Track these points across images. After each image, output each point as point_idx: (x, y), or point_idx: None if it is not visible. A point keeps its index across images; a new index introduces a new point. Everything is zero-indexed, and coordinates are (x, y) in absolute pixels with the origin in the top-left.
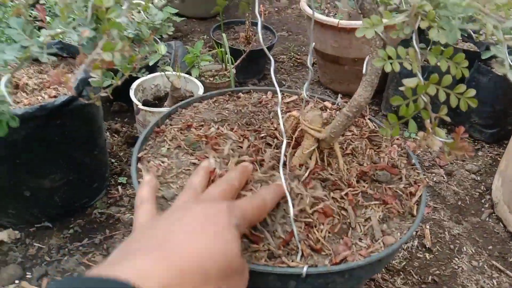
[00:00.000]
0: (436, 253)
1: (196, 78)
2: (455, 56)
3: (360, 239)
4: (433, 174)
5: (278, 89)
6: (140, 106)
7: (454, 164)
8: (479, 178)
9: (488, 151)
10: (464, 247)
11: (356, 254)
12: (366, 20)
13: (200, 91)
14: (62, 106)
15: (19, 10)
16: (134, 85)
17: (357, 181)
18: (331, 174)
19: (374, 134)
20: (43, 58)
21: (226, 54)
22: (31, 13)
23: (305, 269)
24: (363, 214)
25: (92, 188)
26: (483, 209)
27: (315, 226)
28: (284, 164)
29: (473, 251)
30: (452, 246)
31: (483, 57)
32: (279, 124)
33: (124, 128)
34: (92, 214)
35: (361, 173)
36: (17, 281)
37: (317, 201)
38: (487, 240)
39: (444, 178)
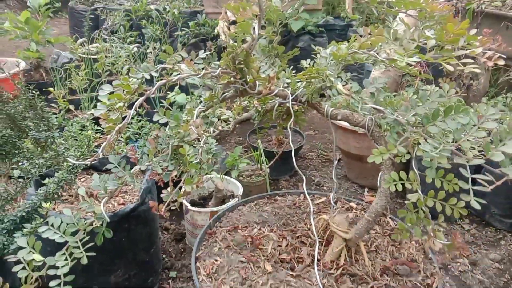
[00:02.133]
0: None
1: (235, 178)
2: (447, 175)
3: None
4: (458, 264)
5: (309, 198)
6: (189, 207)
7: (478, 253)
8: (503, 267)
9: (510, 239)
10: None
11: None
12: (375, 150)
13: (240, 191)
14: (130, 212)
15: (116, 151)
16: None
17: (381, 275)
18: (359, 270)
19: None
20: (134, 184)
21: (261, 156)
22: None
23: None
24: None
25: (148, 282)
26: None
27: None
28: (318, 261)
29: None
30: None
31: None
32: (311, 224)
33: (172, 226)
34: None
35: (384, 268)
36: None
37: None
38: None
39: (468, 267)
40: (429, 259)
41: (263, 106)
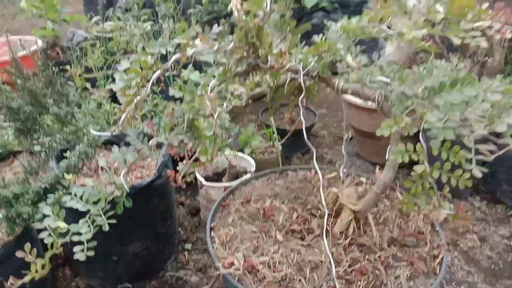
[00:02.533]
0: None
1: (248, 155)
2: (454, 147)
3: None
4: (467, 240)
5: (319, 172)
6: (204, 182)
7: (487, 229)
8: (511, 243)
9: None
10: None
11: None
12: (383, 123)
13: (253, 167)
14: (148, 185)
15: (134, 124)
16: None
17: (388, 246)
18: (366, 240)
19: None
20: (152, 156)
21: (273, 133)
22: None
23: None
24: (394, 273)
25: (164, 253)
26: None
27: (354, 282)
28: (328, 232)
29: None
30: None
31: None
32: (333, 194)
33: (187, 201)
34: (164, 277)
35: (391, 239)
36: None
37: (355, 262)
38: None
39: (477, 243)
40: (436, 231)
41: (275, 81)
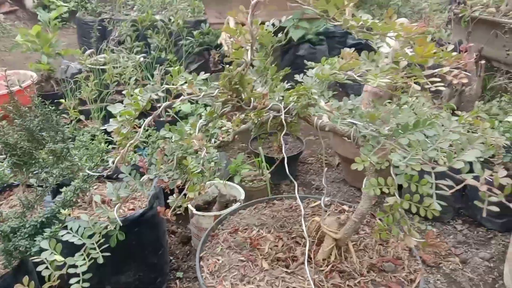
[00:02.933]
0: None
1: (237, 183)
2: (421, 180)
3: None
4: (449, 262)
5: (300, 203)
6: (195, 211)
7: (469, 252)
8: (492, 265)
9: (501, 239)
10: None
11: None
12: (357, 158)
13: (242, 196)
14: (140, 217)
15: (126, 160)
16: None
17: (368, 271)
18: (347, 267)
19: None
20: (144, 192)
21: (262, 162)
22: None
23: None
24: None
25: (156, 282)
26: None
27: None
28: (311, 259)
29: None
30: None
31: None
32: (315, 223)
33: (179, 229)
34: None
35: (370, 265)
36: None
37: None
38: None
39: (459, 266)
40: (413, 257)
41: (259, 119)
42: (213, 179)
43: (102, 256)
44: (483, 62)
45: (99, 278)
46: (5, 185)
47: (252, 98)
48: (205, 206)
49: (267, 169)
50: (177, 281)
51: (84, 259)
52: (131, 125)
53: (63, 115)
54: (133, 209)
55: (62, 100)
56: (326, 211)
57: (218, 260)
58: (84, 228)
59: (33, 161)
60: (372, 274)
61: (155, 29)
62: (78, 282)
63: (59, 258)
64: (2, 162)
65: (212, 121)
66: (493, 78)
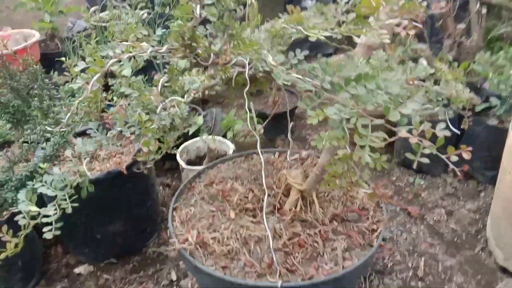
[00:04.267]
0: (428, 282)
1: (231, 139)
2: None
3: (326, 264)
4: (434, 214)
5: (260, 152)
6: (184, 165)
7: (456, 204)
8: (477, 217)
9: (491, 192)
10: (455, 277)
11: (320, 274)
12: (311, 112)
13: (231, 150)
14: (129, 166)
15: (96, 115)
16: (180, 148)
17: (330, 221)
18: (310, 217)
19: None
20: (109, 147)
21: (253, 118)
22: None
23: (279, 284)
24: (331, 245)
25: (147, 232)
26: (477, 244)
27: (292, 254)
28: (278, 209)
29: (462, 280)
30: (443, 276)
31: (477, 110)
32: (277, 177)
33: (173, 182)
34: (147, 253)
35: (334, 215)
36: None
37: (295, 236)
38: (477, 271)
39: (444, 217)
40: (380, 208)
41: (226, 75)
42: (203, 135)
43: (72, 207)
44: (484, 10)
45: (88, 227)
46: (3, 140)
47: (212, 54)
48: (197, 161)
49: (261, 124)
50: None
51: (56, 209)
52: (100, 83)
53: (65, 73)
54: (119, 163)
55: (63, 59)
56: (291, 165)
57: (191, 210)
58: (57, 180)
59: (26, 118)
60: (334, 223)
61: None
62: (50, 230)
63: (33, 208)
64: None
65: (174, 77)
66: (498, 27)
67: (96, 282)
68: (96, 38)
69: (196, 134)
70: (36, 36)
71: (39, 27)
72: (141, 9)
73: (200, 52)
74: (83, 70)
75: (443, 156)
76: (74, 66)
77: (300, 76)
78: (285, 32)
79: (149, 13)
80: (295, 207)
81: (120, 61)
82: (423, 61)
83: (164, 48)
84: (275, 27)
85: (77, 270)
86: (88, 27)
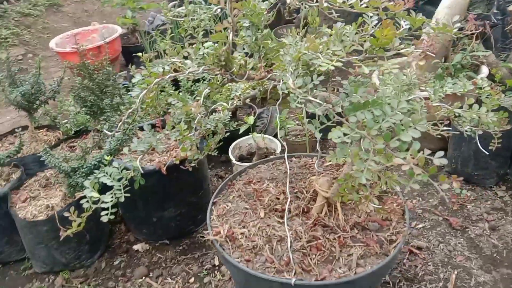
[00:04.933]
0: None
1: (282, 138)
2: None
3: (340, 268)
4: (477, 227)
5: (287, 163)
6: (233, 161)
7: (502, 219)
8: None
9: None
10: None
11: (332, 277)
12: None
13: (279, 149)
14: (180, 162)
15: (152, 117)
16: (233, 144)
17: (351, 228)
18: (332, 222)
19: (384, 193)
20: (158, 148)
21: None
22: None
23: (293, 280)
24: (348, 251)
25: (197, 218)
26: None
27: (309, 255)
28: (305, 212)
29: None
30: None
31: None
32: (310, 182)
33: (227, 175)
34: (196, 237)
35: (355, 223)
36: (144, 277)
37: (314, 239)
38: None
39: (487, 231)
40: (404, 219)
41: (263, 87)
42: (253, 133)
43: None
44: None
45: (146, 211)
46: (82, 128)
47: (248, 71)
48: (248, 157)
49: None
50: None
51: (112, 197)
52: (156, 89)
53: (141, 67)
54: (175, 157)
55: (140, 54)
56: (318, 172)
57: (227, 206)
58: (115, 173)
59: (101, 111)
60: (354, 231)
61: None
62: (106, 214)
63: (95, 195)
64: (81, 111)
65: (215, 89)
66: None
67: (150, 259)
68: (172, 34)
69: (249, 131)
70: (119, 30)
71: (121, 22)
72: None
73: (235, 70)
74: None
75: (435, 184)
76: (149, 61)
77: (313, 99)
78: (303, 58)
79: (221, 9)
80: (320, 212)
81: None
82: (483, 68)
83: (200, 70)
84: (297, 53)
85: (135, 247)
86: (165, 21)
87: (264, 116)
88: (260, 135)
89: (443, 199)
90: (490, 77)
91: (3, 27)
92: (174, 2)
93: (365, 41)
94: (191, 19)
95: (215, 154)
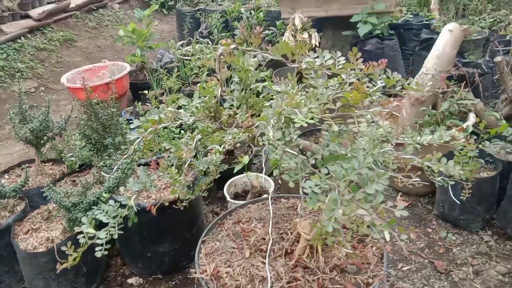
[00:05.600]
0: None
1: (276, 176)
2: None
3: None
4: (461, 271)
5: (271, 206)
6: (228, 198)
7: (486, 264)
8: (506, 280)
9: None
10: None
11: None
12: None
13: (271, 188)
14: (173, 203)
15: (149, 156)
16: (228, 182)
17: (331, 270)
18: (312, 264)
19: (366, 236)
20: (150, 189)
21: None
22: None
23: None
24: None
25: (190, 254)
26: None
27: None
28: (288, 254)
29: None
30: None
31: None
32: (294, 224)
33: (222, 211)
34: (189, 273)
35: (335, 265)
36: None
37: (294, 281)
38: None
39: (470, 276)
40: (382, 263)
41: (251, 134)
42: (247, 173)
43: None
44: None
45: (142, 247)
46: (86, 162)
47: (236, 120)
48: (242, 194)
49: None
50: None
51: (107, 233)
52: (153, 133)
53: (147, 103)
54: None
55: (146, 92)
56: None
57: (215, 244)
58: (110, 210)
59: (104, 148)
60: (334, 273)
61: (240, 20)
62: (100, 250)
63: (91, 231)
64: (85, 147)
65: (205, 136)
66: None
67: None
68: (178, 73)
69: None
70: (127, 68)
71: (131, 60)
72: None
73: (223, 120)
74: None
75: (394, 233)
76: (154, 98)
77: (289, 150)
78: (283, 113)
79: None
80: (303, 254)
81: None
82: (471, 116)
83: (191, 120)
84: (277, 109)
85: (129, 281)
86: (173, 59)
87: (261, 155)
88: (254, 173)
89: (430, 242)
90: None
91: (18, 60)
92: (182, 42)
93: (337, 101)
94: (198, 58)
95: (205, 194)
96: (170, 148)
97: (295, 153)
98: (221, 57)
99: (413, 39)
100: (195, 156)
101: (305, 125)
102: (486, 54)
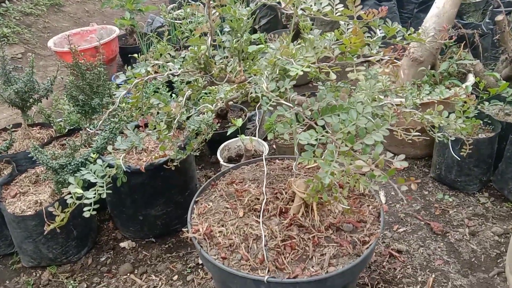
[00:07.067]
0: None
1: (270, 140)
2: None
3: (312, 266)
4: (457, 233)
5: (265, 165)
6: (221, 162)
7: (482, 225)
8: (502, 240)
9: None
10: None
11: (304, 275)
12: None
13: (266, 151)
14: (164, 163)
15: (137, 116)
16: (222, 146)
17: (326, 229)
18: (307, 222)
19: (362, 196)
20: (139, 146)
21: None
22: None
23: (266, 278)
24: (321, 250)
25: (183, 217)
26: (494, 268)
27: (283, 254)
28: (283, 213)
29: None
30: None
31: None
32: (289, 183)
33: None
34: (182, 236)
35: (330, 224)
36: (128, 274)
37: (289, 239)
38: None
39: (466, 237)
40: (378, 222)
41: (244, 91)
42: (241, 136)
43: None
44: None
45: (133, 210)
46: (75, 127)
47: (228, 74)
48: (236, 158)
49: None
50: None
51: (95, 193)
52: (140, 90)
53: None
54: (162, 156)
55: (136, 55)
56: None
57: (208, 205)
58: (98, 170)
59: (92, 110)
60: (329, 231)
61: None
62: (89, 210)
63: (78, 191)
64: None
65: (196, 91)
66: None
67: (136, 257)
68: (169, 36)
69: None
70: (116, 32)
71: (120, 23)
72: (214, 8)
73: (214, 73)
74: (124, 81)
75: (395, 185)
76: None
77: (283, 102)
78: (278, 63)
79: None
80: (298, 213)
81: (155, 78)
82: (470, 76)
83: (179, 71)
84: (271, 59)
85: (122, 244)
86: (164, 23)
87: (255, 119)
88: (248, 137)
89: (426, 204)
90: (476, 85)
91: (4, 25)
92: (173, 5)
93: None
94: (189, 21)
95: (197, 154)
96: (159, 103)
97: (290, 104)
98: (211, 1)
99: (411, 1)
100: (188, 118)
101: (301, 73)
102: (486, 16)
